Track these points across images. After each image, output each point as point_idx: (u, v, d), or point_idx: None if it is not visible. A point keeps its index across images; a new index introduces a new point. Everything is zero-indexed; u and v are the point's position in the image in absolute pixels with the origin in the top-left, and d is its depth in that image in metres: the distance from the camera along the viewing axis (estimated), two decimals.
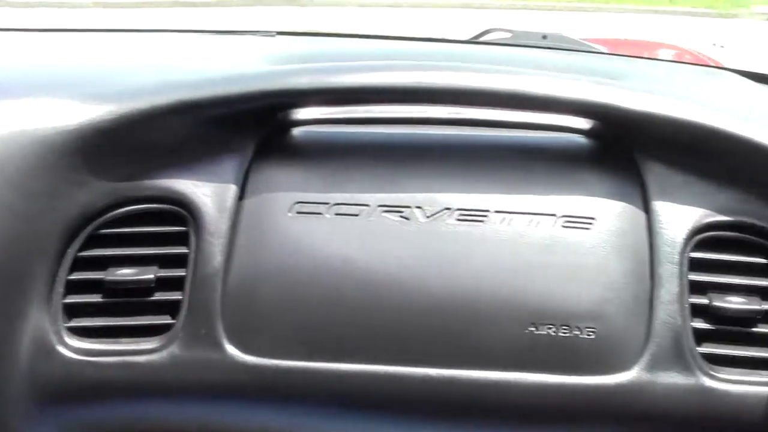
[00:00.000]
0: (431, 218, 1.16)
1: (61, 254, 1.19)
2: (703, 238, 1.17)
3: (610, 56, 1.87)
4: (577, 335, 1.13)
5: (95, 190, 1.19)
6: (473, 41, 2.00)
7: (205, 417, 1.18)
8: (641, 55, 2.58)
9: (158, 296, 1.18)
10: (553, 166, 1.21)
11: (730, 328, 1.15)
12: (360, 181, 1.19)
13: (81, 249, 1.20)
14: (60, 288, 1.19)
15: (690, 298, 1.15)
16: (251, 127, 1.23)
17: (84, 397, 1.19)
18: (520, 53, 1.78)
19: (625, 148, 1.21)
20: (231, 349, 1.15)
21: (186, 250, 1.19)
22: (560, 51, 1.79)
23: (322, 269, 1.15)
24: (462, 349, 1.14)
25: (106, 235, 1.20)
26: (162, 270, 1.19)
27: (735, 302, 1.15)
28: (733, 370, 1.15)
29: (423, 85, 1.18)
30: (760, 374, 1.15)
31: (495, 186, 1.18)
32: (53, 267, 1.18)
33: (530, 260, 1.14)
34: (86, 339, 1.18)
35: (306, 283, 1.15)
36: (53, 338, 1.17)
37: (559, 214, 1.16)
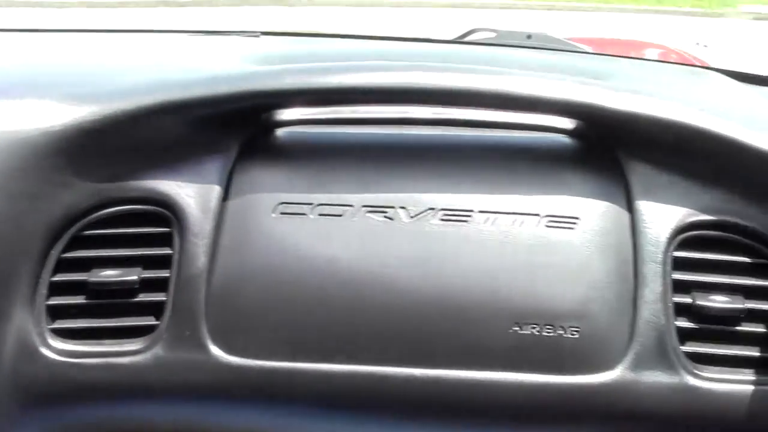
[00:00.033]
0: (415, 218, 1.16)
1: (45, 255, 1.18)
2: (687, 237, 1.18)
3: (595, 56, 1.87)
4: (561, 335, 1.13)
5: (79, 191, 1.19)
6: (458, 41, 2.00)
7: (189, 418, 1.18)
8: (627, 55, 2.58)
9: (142, 297, 1.18)
10: (537, 166, 1.22)
11: (714, 326, 1.16)
12: (344, 181, 1.19)
13: (65, 250, 1.19)
14: (43, 289, 1.18)
15: (673, 297, 1.16)
16: (235, 128, 1.23)
17: (67, 398, 1.18)
18: (505, 53, 1.78)
19: (609, 148, 1.21)
20: (215, 350, 1.15)
21: (170, 251, 1.18)
22: (545, 51, 1.79)
23: (306, 270, 1.15)
24: (446, 348, 1.14)
25: (89, 237, 1.20)
26: (146, 271, 1.18)
27: (718, 301, 1.15)
28: (716, 369, 1.15)
29: (407, 85, 1.18)
30: (743, 373, 1.15)
31: (479, 186, 1.18)
32: (36, 268, 1.18)
33: (514, 260, 1.14)
34: (70, 340, 1.18)
35: (290, 284, 1.15)
36: (36, 340, 1.17)
37: (543, 213, 1.16)
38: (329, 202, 1.17)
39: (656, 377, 1.13)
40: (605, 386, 1.13)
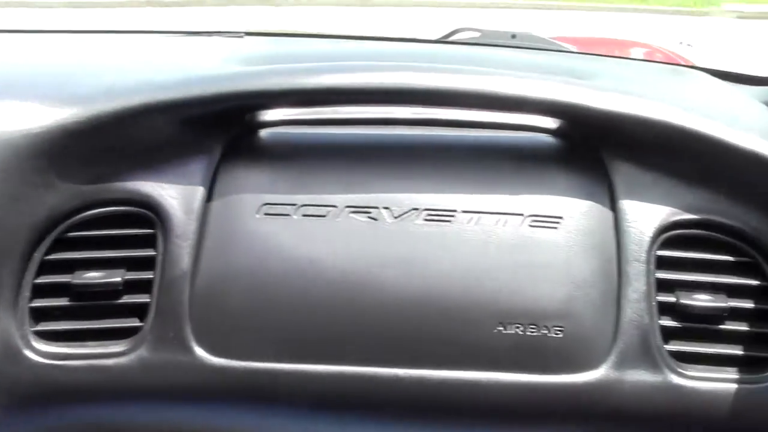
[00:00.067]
0: (399, 218, 1.16)
1: (28, 257, 1.18)
2: (670, 236, 1.18)
3: (579, 55, 1.87)
4: (545, 334, 1.13)
5: (62, 193, 1.18)
6: (442, 41, 2.00)
7: (173, 419, 1.18)
8: (612, 54, 2.58)
9: (126, 299, 1.18)
10: (520, 166, 1.22)
11: (697, 325, 1.16)
12: (327, 182, 1.19)
13: (48, 252, 1.19)
14: (26, 292, 1.18)
15: (657, 296, 1.16)
16: (219, 129, 1.22)
17: (51, 401, 1.18)
18: (489, 53, 1.78)
19: (593, 148, 1.21)
20: (199, 351, 1.15)
21: (153, 253, 1.18)
22: (529, 50, 1.79)
23: (290, 270, 1.15)
24: (430, 349, 1.14)
25: (73, 238, 1.20)
26: (129, 273, 1.18)
27: (702, 300, 1.16)
28: (699, 367, 1.16)
29: (390, 86, 1.18)
30: (726, 371, 1.15)
31: (462, 186, 1.18)
32: (19, 270, 1.17)
33: (498, 260, 1.15)
34: (53, 343, 1.18)
35: (274, 285, 1.15)
36: (20, 342, 1.17)
37: (526, 213, 1.17)
38: (313, 203, 1.17)
39: (640, 376, 1.14)
40: (589, 385, 1.13)
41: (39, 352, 1.17)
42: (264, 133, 1.27)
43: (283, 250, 1.16)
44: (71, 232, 1.19)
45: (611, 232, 1.17)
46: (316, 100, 1.23)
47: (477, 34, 2.02)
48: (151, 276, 1.17)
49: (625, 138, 1.19)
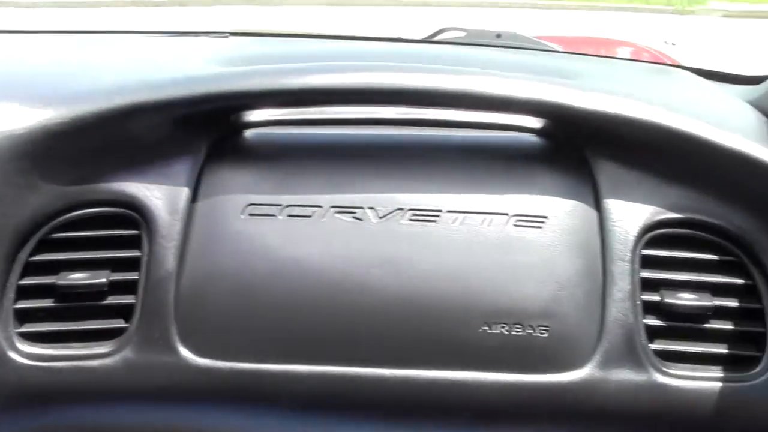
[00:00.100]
0: (384, 219, 1.16)
1: (12, 259, 1.17)
2: (655, 235, 1.18)
3: (564, 55, 1.87)
4: (530, 334, 1.13)
5: (46, 194, 1.18)
6: (427, 40, 2.00)
7: (159, 420, 1.18)
8: (599, 53, 2.59)
9: (111, 300, 1.18)
10: (505, 166, 1.22)
11: (682, 324, 1.17)
12: (312, 182, 1.19)
13: (32, 253, 1.19)
14: (11, 293, 1.18)
15: (642, 295, 1.16)
16: (204, 130, 1.22)
17: (36, 402, 1.18)
18: (474, 52, 1.79)
19: (577, 147, 1.21)
20: (184, 352, 1.15)
21: (138, 254, 1.18)
22: (514, 50, 1.79)
23: (275, 271, 1.15)
24: (415, 349, 1.14)
25: (57, 240, 1.19)
26: (114, 274, 1.18)
27: (686, 299, 1.16)
28: (684, 366, 1.16)
29: (375, 86, 1.18)
30: (711, 370, 1.16)
31: (447, 186, 1.18)
32: (4, 272, 1.17)
33: (483, 259, 1.15)
34: (38, 344, 1.17)
35: (259, 285, 1.15)
36: (4, 344, 1.16)
37: (511, 213, 1.17)
38: (298, 203, 1.17)
39: (625, 375, 1.14)
40: (574, 384, 1.14)
41: (24, 353, 1.17)
42: (249, 133, 1.27)
43: (268, 251, 1.15)
44: (56, 233, 1.19)
45: (596, 232, 1.18)
46: (301, 100, 1.23)
47: (462, 34, 2.02)
48: (136, 277, 1.17)
49: (610, 137, 1.19)
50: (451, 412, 1.16)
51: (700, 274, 1.18)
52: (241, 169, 1.22)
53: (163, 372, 1.15)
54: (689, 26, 10.22)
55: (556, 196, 1.18)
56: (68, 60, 1.56)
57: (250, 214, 1.17)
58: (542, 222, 1.17)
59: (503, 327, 1.13)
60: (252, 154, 1.25)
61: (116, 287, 1.18)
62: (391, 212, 1.17)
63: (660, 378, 1.14)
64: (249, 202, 1.18)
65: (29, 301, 1.18)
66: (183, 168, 1.20)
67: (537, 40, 1.97)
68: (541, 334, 1.13)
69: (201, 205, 1.19)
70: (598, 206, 1.18)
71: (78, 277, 1.17)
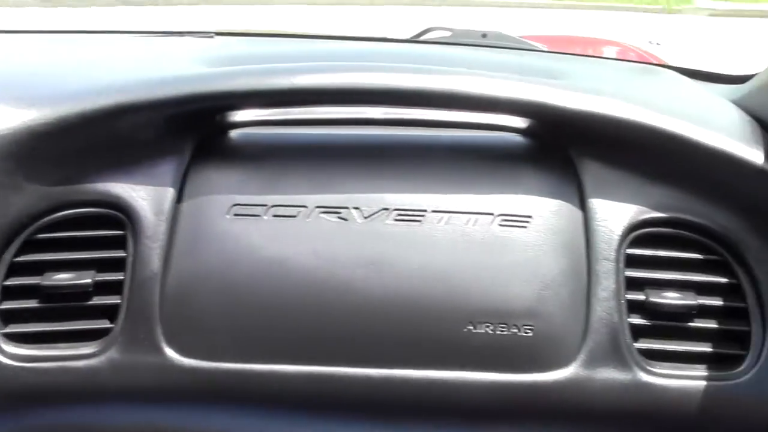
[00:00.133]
0: (369, 219, 1.16)
1: None
2: (639, 234, 1.19)
3: (549, 54, 1.88)
4: (515, 333, 1.14)
5: (30, 195, 1.18)
6: (413, 40, 2.00)
7: (144, 420, 1.18)
8: (585, 52, 2.59)
9: (96, 301, 1.18)
10: (490, 165, 1.22)
11: (667, 323, 1.17)
12: (298, 182, 1.19)
13: (17, 254, 1.19)
14: None
15: (627, 294, 1.17)
16: (189, 130, 1.22)
17: (21, 403, 1.18)
18: (460, 52, 1.79)
19: (562, 147, 1.22)
20: (170, 352, 1.15)
21: (124, 254, 1.18)
22: (500, 50, 1.79)
23: (260, 271, 1.15)
24: (400, 348, 1.14)
25: (42, 240, 1.19)
26: (100, 274, 1.18)
27: (670, 298, 1.16)
28: (669, 365, 1.16)
29: (359, 86, 1.18)
30: (695, 368, 1.16)
31: (432, 186, 1.19)
32: None
33: (468, 259, 1.15)
34: (23, 345, 1.17)
35: (244, 286, 1.15)
36: None
37: (496, 212, 1.17)
38: (283, 203, 1.17)
39: (610, 374, 1.14)
40: (559, 384, 1.14)
41: (8, 354, 1.16)
42: (234, 133, 1.27)
43: (254, 251, 1.15)
44: (41, 233, 1.19)
45: (581, 231, 1.18)
46: (286, 100, 1.23)
47: (448, 34, 2.02)
48: (122, 277, 1.17)
49: (594, 137, 1.19)
50: (436, 412, 1.16)
51: (685, 273, 1.18)
52: (226, 169, 1.22)
53: (148, 372, 1.15)
54: (676, 25, 10.23)
55: (541, 195, 1.19)
56: (53, 60, 1.56)
57: (236, 215, 1.17)
58: (527, 222, 1.17)
59: (488, 326, 1.13)
60: (237, 154, 1.25)
61: (101, 288, 1.17)
62: (376, 212, 1.17)
63: (645, 377, 1.15)
64: (234, 203, 1.18)
65: (14, 301, 1.18)
66: (168, 168, 1.20)
67: (523, 39, 1.98)
68: (526, 333, 1.14)
69: (186, 205, 1.19)
70: (583, 206, 1.19)
71: (63, 277, 1.17)
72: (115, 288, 1.17)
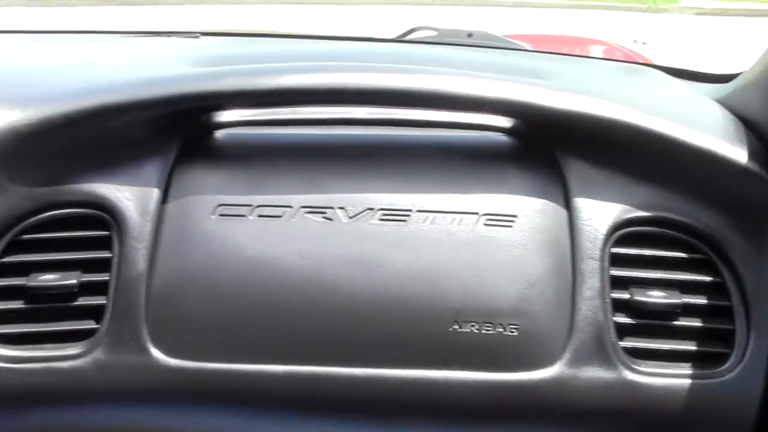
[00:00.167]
0: (354, 218, 1.17)
1: None
2: (624, 233, 1.19)
3: (534, 54, 1.88)
4: (500, 332, 1.14)
5: (15, 195, 1.18)
6: (399, 40, 2.00)
7: (130, 421, 1.18)
8: (571, 51, 2.60)
9: (82, 301, 1.18)
10: (475, 165, 1.22)
11: (651, 321, 1.17)
12: (283, 182, 1.19)
13: (2, 255, 1.18)
14: None
15: (612, 293, 1.17)
16: (174, 130, 1.22)
17: (7, 404, 1.17)
18: (445, 52, 1.79)
19: (547, 146, 1.22)
20: (156, 353, 1.15)
21: (109, 255, 1.18)
22: (485, 49, 1.80)
23: (246, 271, 1.15)
24: (386, 348, 1.14)
25: (27, 241, 1.19)
26: (85, 275, 1.18)
27: (655, 296, 1.17)
28: (653, 363, 1.17)
29: (345, 86, 1.18)
30: (680, 367, 1.17)
31: (417, 185, 1.19)
32: None
33: (453, 259, 1.15)
34: (9, 346, 1.17)
35: (230, 286, 1.15)
36: None
37: (481, 212, 1.17)
38: (268, 204, 1.17)
39: (595, 372, 1.15)
40: (544, 382, 1.14)
41: None
42: (219, 134, 1.27)
43: (239, 251, 1.16)
44: (26, 234, 1.19)
45: (565, 230, 1.18)
46: (272, 101, 1.23)
47: (434, 33, 2.02)
48: (107, 278, 1.17)
49: (579, 136, 1.20)
50: (422, 411, 1.16)
51: (669, 271, 1.19)
52: (211, 169, 1.22)
53: (134, 373, 1.15)
54: (662, 24, 10.25)
55: (526, 195, 1.19)
56: (38, 60, 1.55)
57: (221, 215, 1.17)
58: (512, 221, 1.17)
59: (473, 326, 1.14)
60: (222, 154, 1.25)
61: (87, 288, 1.17)
62: (361, 212, 1.17)
63: (629, 375, 1.15)
64: (219, 203, 1.18)
65: (0, 302, 1.18)
66: (153, 169, 1.20)
67: (508, 39, 1.98)
68: (511, 332, 1.14)
69: (171, 205, 1.19)
70: (567, 205, 1.19)
71: (49, 278, 1.17)
72: (100, 288, 1.17)
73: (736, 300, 1.18)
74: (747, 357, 1.16)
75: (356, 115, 1.28)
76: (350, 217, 1.17)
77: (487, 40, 1.90)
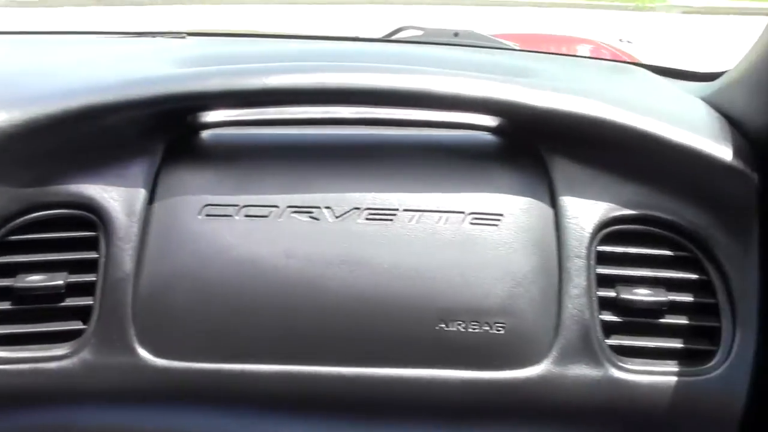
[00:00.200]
0: (340, 218, 1.17)
1: None
2: (610, 231, 1.19)
3: (521, 53, 1.88)
4: (486, 331, 1.14)
5: (2, 197, 1.18)
6: (385, 39, 2.01)
7: (117, 421, 1.18)
8: (558, 50, 2.60)
9: (69, 302, 1.18)
10: (461, 164, 1.22)
11: (638, 319, 1.18)
12: (269, 182, 1.19)
13: None
14: None
15: (598, 291, 1.17)
16: (160, 131, 1.22)
17: None
18: (432, 51, 1.79)
19: (532, 145, 1.22)
20: (143, 353, 1.15)
21: (96, 255, 1.18)
22: (472, 48, 1.80)
23: (233, 271, 1.15)
24: (373, 347, 1.14)
25: (14, 242, 1.19)
26: (72, 275, 1.18)
27: (641, 294, 1.17)
28: (640, 361, 1.17)
29: (331, 85, 1.18)
30: (666, 364, 1.17)
31: (404, 185, 1.19)
32: None
33: (439, 257, 1.15)
34: None
35: (216, 286, 1.15)
36: None
37: (467, 211, 1.17)
38: (255, 204, 1.17)
39: (581, 370, 1.15)
40: (531, 381, 1.14)
41: None
42: (206, 134, 1.27)
43: (226, 251, 1.16)
44: (12, 235, 1.19)
45: (551, 229, 1.18)
46: (257, 101, 1.23)
47: (420, 33, 2.03)
48: (94, 278, 1.17)
49: (564, 135, 1.20)
50: (408, 409, 1.16)
51: (655, 269, 1.19)
52: (197, 169, 1.22)
53: (121, 373, 1.15)
54: (649, 22, 10.26)
55: (512, 194, 1.19)
56: (23, 61, 1.55)
57: (207, 215, 1.17)
58: (498, 220, 1.17)
59: (460, 324, 1.14)
60: (209, 154, 1.26)
61: (74, 289, 1.17)
62: (348, 211, 1.17)
63: (616, 373, 1.15)
64: (206, 203, 1.18)
65: None
66: (140, 169, 1.20)
67: (494, 38, 1.98)
68: (498, 330, 1.14)
69: (158, 206, 1.19)
70: (553, 203, 1.19)
71: (35, 279, 1.17)
72: (87, 289, 1.17)
73: (721, 297, 1.18)
74: (733, 354, 1.17)
75: (342, 115, 1.28)
76: (337, 217, 1.17)
77: (474, 40, 1.90)
